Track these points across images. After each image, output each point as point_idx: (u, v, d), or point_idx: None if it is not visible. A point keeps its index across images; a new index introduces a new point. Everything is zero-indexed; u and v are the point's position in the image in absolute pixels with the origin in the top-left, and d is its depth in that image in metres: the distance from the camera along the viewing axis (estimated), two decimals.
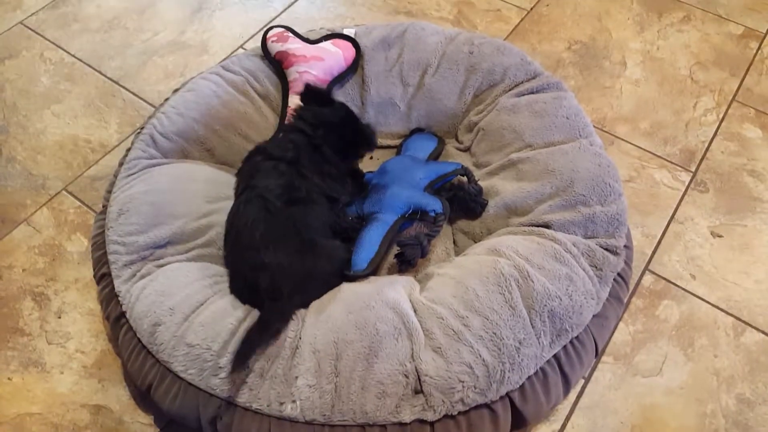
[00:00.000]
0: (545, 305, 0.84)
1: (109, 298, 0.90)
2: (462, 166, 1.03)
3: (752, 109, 1.26)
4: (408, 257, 0.93)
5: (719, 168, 1.17)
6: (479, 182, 1.02)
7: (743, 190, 1.14)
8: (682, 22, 1.41)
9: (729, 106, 1.26)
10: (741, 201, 1.13)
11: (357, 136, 1.00)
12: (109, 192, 1.02)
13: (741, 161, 1.18)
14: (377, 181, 1.02)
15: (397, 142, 1.16)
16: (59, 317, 1.00)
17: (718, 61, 1.34)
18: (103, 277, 0.92)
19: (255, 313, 0.83)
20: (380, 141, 1.14)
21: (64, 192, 1.15)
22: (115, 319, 0.88)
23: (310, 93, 1.01)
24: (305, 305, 0.86)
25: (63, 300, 1.01)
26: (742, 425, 0.89)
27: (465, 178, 1.02)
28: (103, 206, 1.02)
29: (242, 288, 0.86)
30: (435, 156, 1.11)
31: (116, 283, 0.89)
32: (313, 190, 0.93)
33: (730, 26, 1.40)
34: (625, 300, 0.96)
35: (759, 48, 1.37)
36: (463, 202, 0.99)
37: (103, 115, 1.27)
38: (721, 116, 1.25)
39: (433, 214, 0.96)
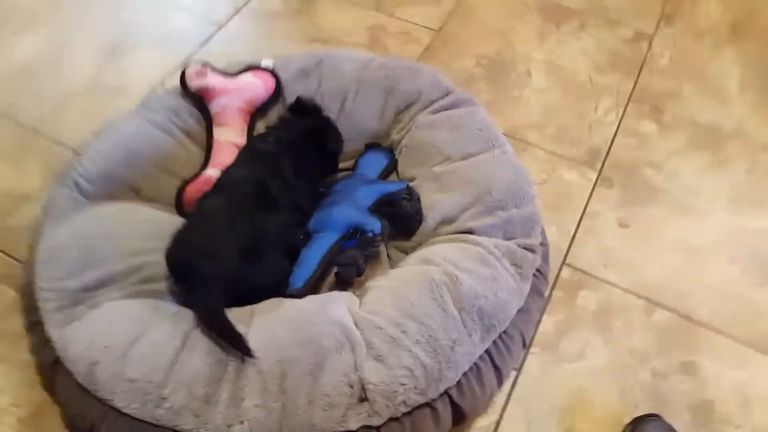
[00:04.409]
0: (474, 305, 0.89)
1: (41, 345, 0.89)
2: (407, 185, 1.06)
3: (647, 106, 1.38)
4: (344, 277, 0.97)
5: (622, 163, 1.28)
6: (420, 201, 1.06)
7: (645, 182, 1.25)
8: (578, 30, 1.53)
9: (627, 106, 1.38)
10: (643, 192, 1.23)
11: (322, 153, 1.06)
12: (34, 240, 1.01)
13: (641, 155, 1.29)
14: (325, 200, 1.06)
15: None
16: None
17: (614, 64, 1.46)
18: (35, 325, 0.91)
19: (192, 340, 0.84)
20: None
21: None
22: (50, 365, 0.87)
23: (298, 106, 1.08)
24: (227, 303, 0.89)
25: None
26: (657, 396, 0.97)
27: (407, 197, 1.05)
28: (29, 254, 1.00)
29: (178, 259, 0.90)
30: (388, 172, 1.15)
31: (48, 328, 0.88)
32: (283, 194, 0.97)
33: (621, 30, 1.53)
34: (546, 293, 1.04)
35: (649, 48, 1.50)
36: (399, 220, 1.03)
37: (21, 163, 1.24)
38: (620, 115, 1.36)
39: (371, 234, 1.00)
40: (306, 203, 1.03)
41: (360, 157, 1.18)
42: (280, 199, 0.97)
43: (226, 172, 1.01)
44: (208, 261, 0.87)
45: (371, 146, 1.19)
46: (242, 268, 0.89)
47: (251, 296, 0.91)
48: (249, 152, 1.04)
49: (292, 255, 0.99)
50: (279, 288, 0.94)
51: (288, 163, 1.00)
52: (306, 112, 1.09)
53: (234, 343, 0.82)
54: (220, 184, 0.98)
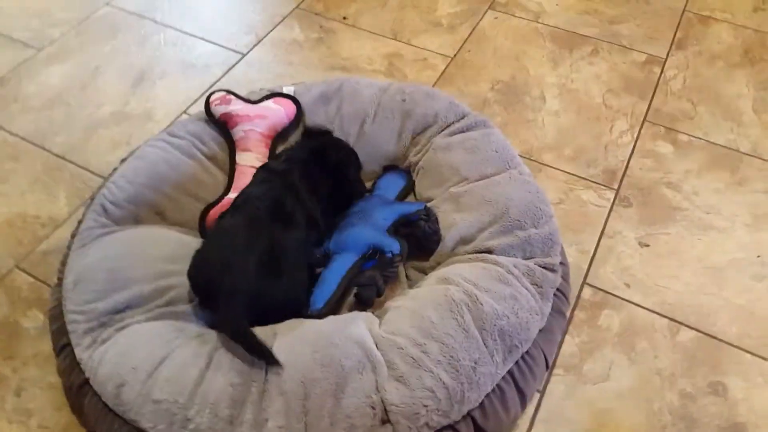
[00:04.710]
0: (495, 324, 0.89)
1: (70, 367, 0.90)
2: (425, 206, 1.08)
3: (662, 128, 1.39)
4: (364, 297, 0.98)
5: (639, 183, 1.28)
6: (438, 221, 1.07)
7: (663, 201, 1.25)
8: (591, 55, 1.56)
9: (641, 127, 1.39)
10: (662, 211, 1.23)
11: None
12: (63, 264, 1.03)
13: (658, 175, 1.30)
14: (344, 221, 1.08)
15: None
16: (18, 395, 0.98)
17: (627, 87, 1.48)
18: (64, 348, 0.93)
19: (216, 360, 0.85)
20: None
21: (16, 269, 1.15)
22: (78, 387, 0.88)
23: (309, 133, 1.13)
24: (250, 321, 0.90)
25: (22, 377, 1.00)
26: (687, 418, 0.96)
27: (425, 218, 1.06)
28: (58, 278, 1.02)
29: (200, 277, 0.93)
30: (405, 193, 1.17)
31: (77, 351, 0.90)
32: (298, 209, 0.99)
33: (633, 55, 1.55)
34: (567, 313, 1.03)
35: (662, 72, 1.51)
36: (417, 240, 1.05)
37: (50, 190, 1.28)
38: (635, 136, 1.37)
39: (390, 255, 1.01)
40: (320, 217, 1.05)
41: (378, 179, 1.20)
42: (296, 214, 1.00)
43: (243, 192, 1.04)
44: (228, 276, 0.89)
45: (389, 168, 1.21)
46: (262, 282, 0.91)
47: (273, 313, 0.92)
48: (263, 172, 1.08)
49: (310, 274, 1.01)
50: (299, 304, 0.96)
51: (299, 178, 1.03)
52: (316, 136, 1.13)
53: (261, 355, 0.84)
54: (237, 204, 1.01)
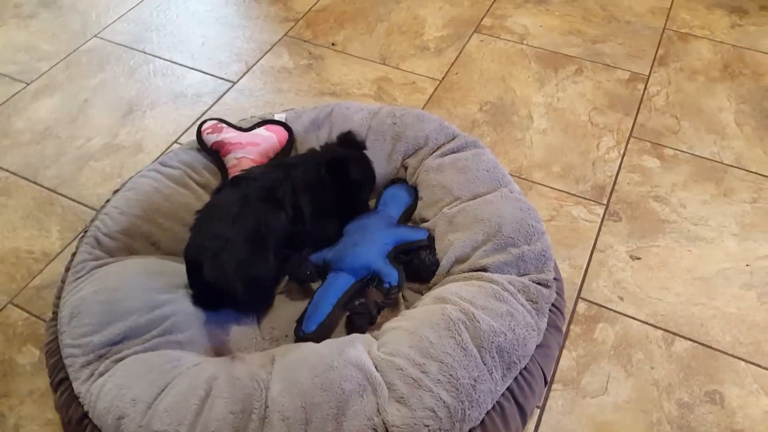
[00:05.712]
0: (492, 342, 0.90)
1: (68, 401, 0.89)
2: (428, 235, 1.08)
3: (648, 143, 1.42)
4: (357, 325, 0.98)
5: (628, 198, 1.30)
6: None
7: (652, 215, 1.27)
8: (575, 75, 1.59)
9: (627, 143, 1.42)
10: (651, 224, 1.25)
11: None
12: (58, 298, 1.02)
13: (646, 189, 1.32)
14: (346, 235, 1.08)
15: None
16: None
17: (612, 104, 1.51)
18: (61, 382, 0.92)
19: (216, 389, 0.84)
20: None
21: (9, 305, 1.14)
22: (77, 421, 0.87)
23: (346, 139, 1.14)
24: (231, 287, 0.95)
25: (19, 415, 0.99)
26: (685, 428, 0.96)
27: (426, 248, 1.06)
28: (54, 312, 1.01)
29: (192, 247, 0.98)
30: (410, 211, 1.17)
31: (75, 385, 0.89)
32: (288, 200, 1.03)
33: (617, 73, 1.59)
34: (564, 328, 1.04)
35: (645, 88, 1.55)
36: (415, 269, 1.05)
37: (42, 224, 1.28)
38: (622, 152, 1.40)
39: (387, 285, 1.01)
40: (308, 217, 1.06)
41: (384, 190, 1.19)
42: (284, 203, 1.03)
43: (246, 171, 1.08)
44: (218, 244, 0.94)
45: (396, 181, 1.21)
46: (251, 254, 0.95)
47: (253, 288, 0.97)
48: (274, 160, 1.13)
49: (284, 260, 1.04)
50: (273, 285, 1.03)
51: (302, 175, 1.06)
52: (350, 145, 1.15)
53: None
54: (234, 181, 1.06)
